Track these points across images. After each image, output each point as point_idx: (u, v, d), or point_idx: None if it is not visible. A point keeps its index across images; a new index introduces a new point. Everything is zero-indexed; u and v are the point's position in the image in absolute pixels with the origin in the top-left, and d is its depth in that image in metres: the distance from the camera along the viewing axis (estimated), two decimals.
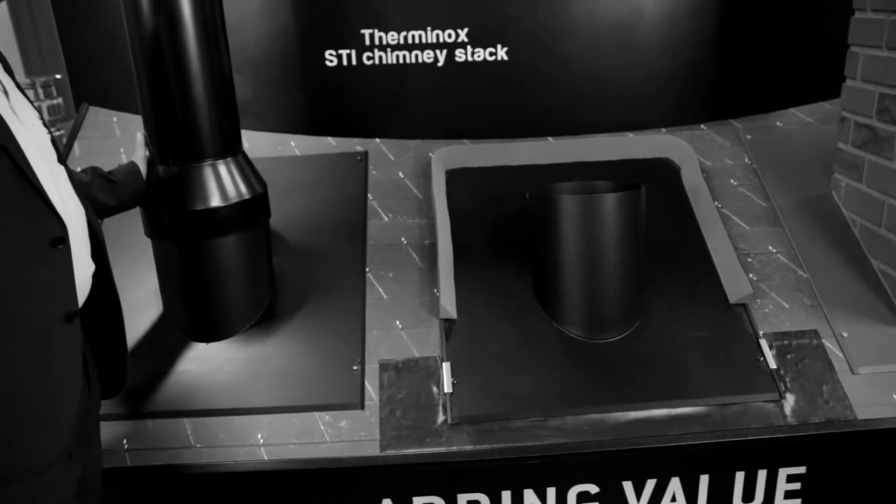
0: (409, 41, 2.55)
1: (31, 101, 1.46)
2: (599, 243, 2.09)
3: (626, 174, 2.54)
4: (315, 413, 1.98)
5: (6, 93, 1.33)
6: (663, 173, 2.61)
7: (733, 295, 2.24)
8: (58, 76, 4.46)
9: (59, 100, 4.52)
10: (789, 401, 2.01)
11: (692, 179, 2.56)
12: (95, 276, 1.52)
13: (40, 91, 4.53)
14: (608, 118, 2.67)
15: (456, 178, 2.55)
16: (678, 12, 2.62)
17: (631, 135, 2.67)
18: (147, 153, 2.03)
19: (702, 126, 2.76)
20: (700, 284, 2.29)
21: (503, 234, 2.40)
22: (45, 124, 1.45)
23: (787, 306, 2.23)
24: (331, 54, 2.60)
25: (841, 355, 2.10)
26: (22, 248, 1.28)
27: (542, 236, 2.18)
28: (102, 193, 1.81)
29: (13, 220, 1.26)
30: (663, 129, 2.70)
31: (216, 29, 2.00)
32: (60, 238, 1.33)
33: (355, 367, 2.07)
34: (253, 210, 2.10)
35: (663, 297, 2.24)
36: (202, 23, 1.95)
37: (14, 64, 4.76)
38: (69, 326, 1.36)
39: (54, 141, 1.46)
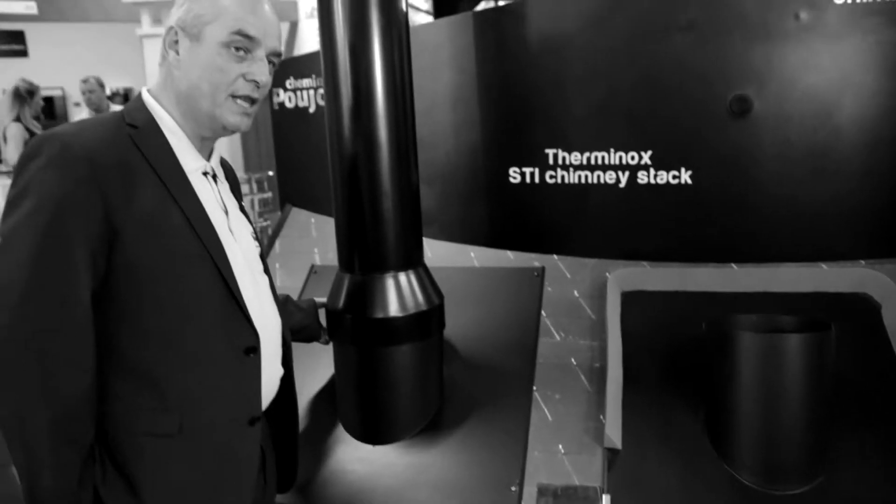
0: (592, 162, 2.59)
1: (248, 218, 1.64)
2: (780, 386, 1.96)
3: (816, 309, 2.38)
4: None
5: (227, 213, 1.51)
6: (860, 311, 2.41)
7: None
8: (270, 173, 4.94)
9: (270, 194, 5.00)
10: None
11: (894, 320, 2.34)
12: (281, 379, 1.65)
13: (254, 185, 5.03)
14: (799, 246, 2.53)
15: (632, 300, 2.51)
16: (881, 137, 2.47)
17: (824, 266, 2.51)
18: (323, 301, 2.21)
19: None
20: None
21: (677, 363, 2.31)
22: (256, 237, 1.62)
23: None
24: (514, 171, 2.69)
25: None
26: (218, 355, 1.43)
27: (718, 371, 2.08)
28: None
29: (214, 330, 1.42)
30: (862, 262, 2.52)
31: (408, 150, 2.15)
32: (253, 347, 1.47)
33: (514, 488, 2.05)
34: (428, 321, 2.19)
35: (855, 450, 2.04)
36: (395, 145, 2.10)
37: (236, 161, 5.35)
38: (251, 429, 1.48)
39: (262, 255, 1.63)
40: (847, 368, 2.17)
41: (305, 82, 3.12)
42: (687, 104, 2.50)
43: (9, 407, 1.25)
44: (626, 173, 2.57)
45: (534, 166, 2.67)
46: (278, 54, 1.48)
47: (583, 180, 2.62)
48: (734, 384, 2.02)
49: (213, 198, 1.48)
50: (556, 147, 2.64)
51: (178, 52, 1.42)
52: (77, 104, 12.87)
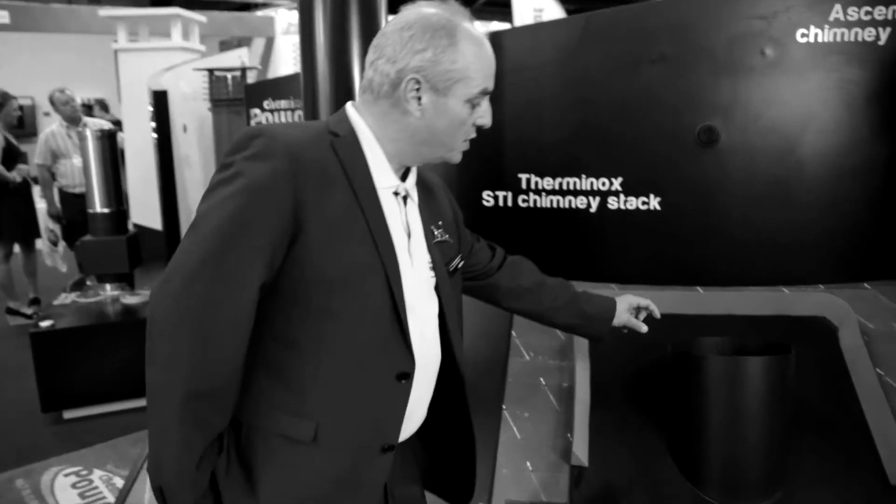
0: (564, 187, 2.67)
1: (433, 242, 1.58)
2: (742, 406, 2.04)
3: (777, 332, 2.47)
4: None
5: (409, 235, 1.50)
6: (818, 334, 2.50)
7: (894, 475, 2.08)
8: None
9: None
10: None
11: (851, 343, 2.44)
12: (448, 409, 1.64)
13: None
14: (761, 271, 2.62)
15: None
16: (842, 169, 2.58)
17: (785, 290, 2.60)
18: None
19: (865, 285, 2.64)
20: (855, 459, 2.15)
21: (643, 384, 2.38)
22: (432, 268, 1.55)
23: None
24: (488, 195, 2.76)
25: None
26: (369, 374, 1.41)
27: (682, 392, 2.15)
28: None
29: (372, 347, 1.40)
30: (821, 286, 2.62)
31: None
32: (406, 374, 1.44)
33: None
34: None
35: (811, 469, 2.12)
36: None
37: (209, 176, 5.36)
38: (382, 457, 1.44)
39: (438, 286, 1.56)
40: (805, 389, 2.25)
41: (283, 103, 3.16)
42: (657, 133, 2.59)
43: (155, 373, 1.27)
44: (597, 198, 2.65)
45: (507, 190, 2.73)
46: None
47: (554, 205, 2.69)
48: (698, 404, 2.09)
49: (399, 218, 1.48)
50: (529, 172, 2.70)
51: (419, 102, 1.41)
52: (47, 114, 12.76)
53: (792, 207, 2.59)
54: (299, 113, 3.11)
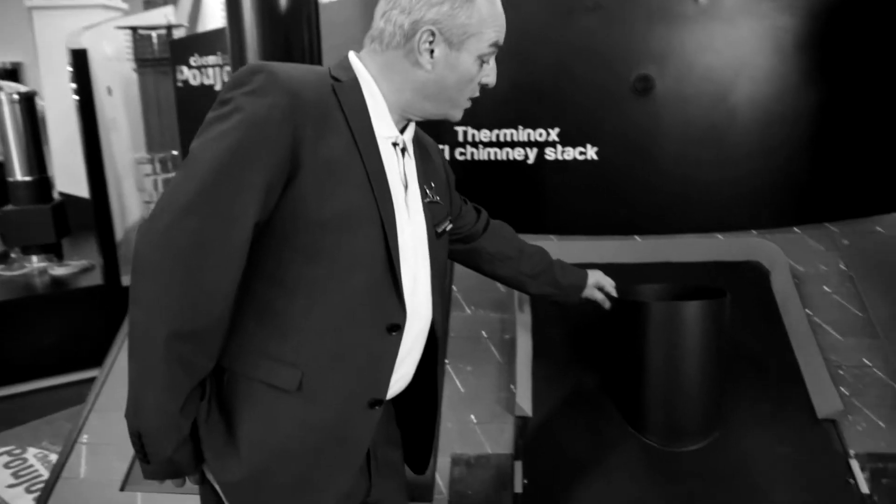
0: (501, 139, 2.64)
1: (425, 201, 1.53)
2: (679, 351, 2.07)
3: (713, 277, 2.52)
4: None
5: (406, 187, 1.44)
6: (752, 277, 2.56)
7: (822, 409, 2.16)
8: (174, 152, 4.81)
9: (173, 174, 4.87)
10: None
11: (782, 285, 2.50)
12: (427, 371, 1.56)
13: (158, 165, 4.90)
14: (697, 218, 2.66)
15: None
16: (772, 117, 2.62)
17: (720, 236, 2.65)
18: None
19: (795, 229, 2.71)
20: (786, 396, 2.22)
21: (584, 333, 2.40)
22: (426, 224, 1.51)
23: (882, 426, 2.12)
24: None
25: None
26: (359, 324, 1.36)
27: (621, 340, 2.17)
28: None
29: (363, 296, 1.35)
30: (754, 232, 2.67)
31: None
32: (397, 326, 1.39)
33: None
34: None
35: (746, 408, 2.18)
36: None
37: (138, 141, 5.15)
38: (369, 413, 1.39)
39: (431, 243, 1.52)
40: (739, 331, 2.30)
41: (210, 59, 3.05)
42: (593, 83, 2.58)
43: (140, 311, 1.21)
44: (535, 150, 2.64)
45: (444, 143, 2.70)
46: None
47: (492, 157, 2.67)
48: (637, 350, 2.12)
49: (397, 169, 1.43)
50: (466, 125, 2.67)
51: (431, 55, 1.36)
52: None
53: (725, 154, 2.63)
54: (228, 69, 3.00)
